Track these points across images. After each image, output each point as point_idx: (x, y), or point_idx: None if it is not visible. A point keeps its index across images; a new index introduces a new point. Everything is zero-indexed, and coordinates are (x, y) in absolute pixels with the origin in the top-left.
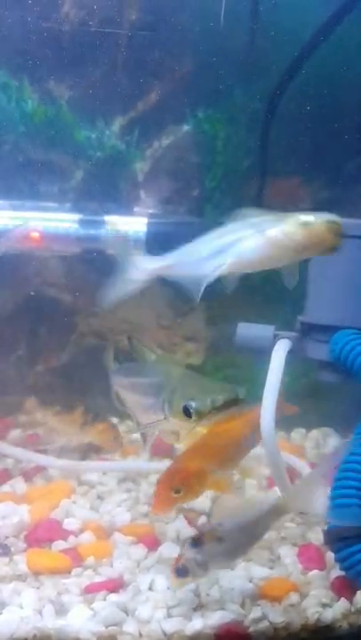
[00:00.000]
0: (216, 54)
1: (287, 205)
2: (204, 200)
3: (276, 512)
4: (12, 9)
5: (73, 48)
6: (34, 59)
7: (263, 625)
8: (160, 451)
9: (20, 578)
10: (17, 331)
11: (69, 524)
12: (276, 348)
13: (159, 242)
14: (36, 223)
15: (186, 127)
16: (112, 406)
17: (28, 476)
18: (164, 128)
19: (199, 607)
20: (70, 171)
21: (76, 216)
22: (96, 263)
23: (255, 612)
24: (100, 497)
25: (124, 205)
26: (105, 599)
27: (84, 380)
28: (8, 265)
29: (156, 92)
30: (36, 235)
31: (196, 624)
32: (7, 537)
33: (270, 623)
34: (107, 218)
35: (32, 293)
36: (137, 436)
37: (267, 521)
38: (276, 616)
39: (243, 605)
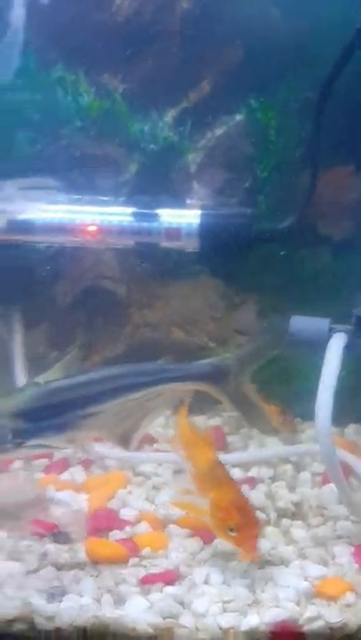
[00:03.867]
0: (269, 42)
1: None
2: (256, 191)
3: None
4: (66, 3)
5: (126, 40)
6: (89, 52)
7: (318, 624)
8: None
9: (80, 566)
10: (75, 322)
11: (126, 514)
12: (331, 342)
13: (212, 234)
14: (92, 217)
15: (238, 116)
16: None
17: (86, 464)
18: (217, 118)
19: (254, 604)
20: (124, 164)
21: (130, 209)
22: (150, 256)
23: (310, 611)
24: (155, 488)
25: (177, 197)
26: (161, 591)
27: None
28: (67, 258)
29: (209, 81)
30: (93, 228)
31: (252, 620)
32: (67, 525)
33: (326, 623)
34: (159, 211)
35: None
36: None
37: None
38: (332, 616)
39: (298, 604)
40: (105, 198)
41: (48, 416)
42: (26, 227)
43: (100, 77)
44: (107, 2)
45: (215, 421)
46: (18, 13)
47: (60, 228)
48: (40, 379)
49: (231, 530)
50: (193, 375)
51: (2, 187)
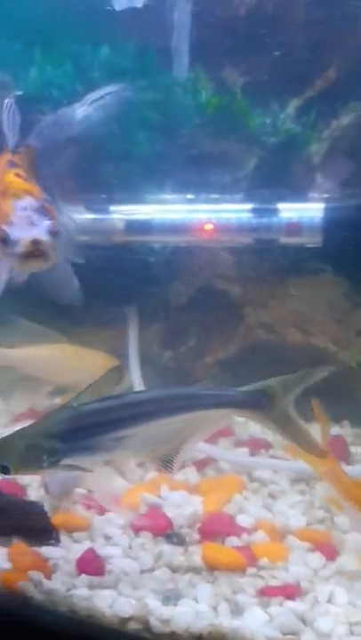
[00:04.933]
0: None
1: None
2: None
3: None
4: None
5: (246, 31)
6: (209, 48)
7: None
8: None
9: (195, 570)
10: (188, 322)
11: (242, 520)
12: None
13: (336, 228)
14: (209, 215)
15: None
16: None
17: (200, 466)
18: (344, 106)
19: None
20: (244, 159)
21: (249, 205)
22: (267, 253)
23: None
24: (271, 496)
25: (299, 191)
26: (281, 605)
27: (250, 375)
28: (182, 257)
29: (335, 69)
30: (209, 226)
31: None
32: (181, 527)
33: None
34: (280, 205)
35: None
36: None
37: None
38: None
39: None
40: (220, 196)
41: (81, 437)
42: (144, 227)
43: (219, 73)
44: None
45: (335, 430)
46: (183, 10)
47: (176, 228)
48: (74, 400)
49: None
50: (232, 402)
51: None
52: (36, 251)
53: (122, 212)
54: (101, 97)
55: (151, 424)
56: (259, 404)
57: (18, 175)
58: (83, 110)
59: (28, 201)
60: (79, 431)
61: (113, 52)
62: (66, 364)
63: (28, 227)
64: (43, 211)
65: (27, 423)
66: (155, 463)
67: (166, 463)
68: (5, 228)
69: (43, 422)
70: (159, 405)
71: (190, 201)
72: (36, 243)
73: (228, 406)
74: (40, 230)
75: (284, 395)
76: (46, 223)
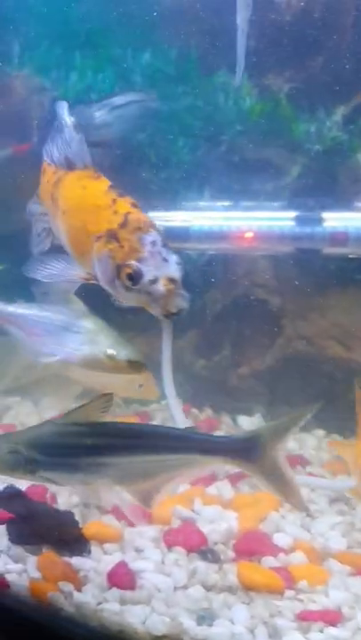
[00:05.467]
0: None
1: None
2: None
3: None
4: (228, 4)
5: (292, 38)
6: (253, 54)
7: None
8: None
9: (230, 590)
10: (223, 331)
11: (279, 539)
12: None
13: None
14: (250, 223)
15: None
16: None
17: (233, 480)
18: None
19: None
20: (287, 167)
21: (292, 213)
22: (308, 263)
23: None
24: (309, 515)
25: (345, 200)
26: (322, 631)
27: (288, 389)
28: (220, 265)
29: None
30: (249, 234)
31: None
32: (216, 543)
33: None
34: (324, 214)
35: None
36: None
37: None
38: None
39: None
40: (266, 203)
41: (61, 454)
42: (182, 234)
43: (264, 79)
44: (275, 1)
45: None
46: (243, 15)
47: (215, 235)
48: (65, 418)
49: None
50: (220, 450)
51: None
52: (175, 289)
53: (159, 219)
54: (122, 105)
55: (134, 458)
56: (250, 456)
57: (134, 205)
58: (100, 114)
59: (154, 235)
60: (61, 448)
61: (154, 58)
62: None
63: (162, 263)
64: (167, 244)
65: None
66: (134, 497)
67: (145, 499)
68: (137, 264)
69: (28, 431)
70: (146, 440)
71: (229, 208)
72: (172, 280)
73: (216, 454)
74: (173, 267)
75: (276, 443)
76: (174, 258)
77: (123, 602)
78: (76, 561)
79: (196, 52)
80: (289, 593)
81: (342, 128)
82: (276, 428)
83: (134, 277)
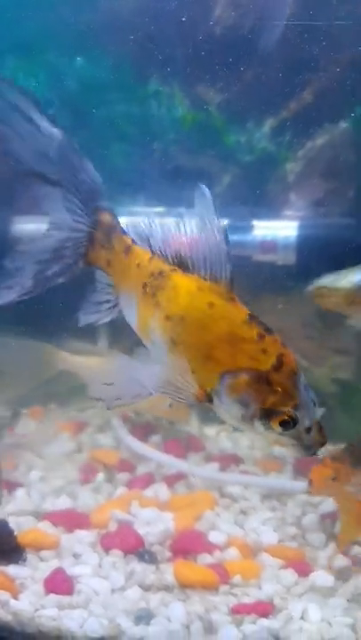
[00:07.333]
0: None
1: None
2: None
3: None
4: (162, 16)
5: (223, 50)
6: (185, 64)
7: None
8: (306, 470)
9: (167, 589)
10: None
11: (214, 537)
12: None
13: (311, 246)
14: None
15: (343, 125)
16: None
17: (169, 482)
18: (319, 127)
19: None
20: (218, 176)
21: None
22: (241, 270)
23: None
24: (243, 512)
25: (274, 209)
26: (255, 623)
27: None
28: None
29: (311, 90)
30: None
31: None
32: (152, 544)
33: None
34: (255, 223)
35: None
36: (281, 450)
37: None
38: None
39: None
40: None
41: None
42: None
43: (195, 89)
44: (206, 14)
45: None
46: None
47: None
48: None
49: None
50: None
51: None
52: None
53: None
54: None
55: None
56: None
57: (285, 345)
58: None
59: (303, 380)
60: None
61: (89, 64)
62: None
63: (312, 409)
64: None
65: None
66: None
67: None
68: (294, 412)
69: None
70: None
71: (161, 215)
72: (320, 425)
73: None
74: (319, 411)
75: None
76: (312, 395)
77: (61, 607)
78: (12, 570)
79: (130, 59)
80: (224, 588)
81: (271, 140)
82: None
83: (289, 425)
